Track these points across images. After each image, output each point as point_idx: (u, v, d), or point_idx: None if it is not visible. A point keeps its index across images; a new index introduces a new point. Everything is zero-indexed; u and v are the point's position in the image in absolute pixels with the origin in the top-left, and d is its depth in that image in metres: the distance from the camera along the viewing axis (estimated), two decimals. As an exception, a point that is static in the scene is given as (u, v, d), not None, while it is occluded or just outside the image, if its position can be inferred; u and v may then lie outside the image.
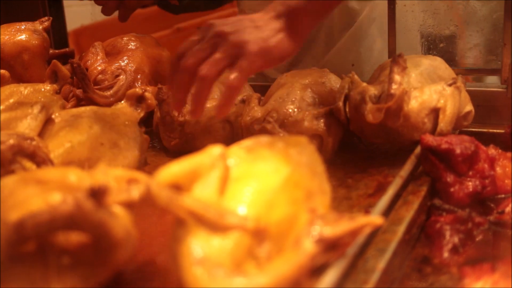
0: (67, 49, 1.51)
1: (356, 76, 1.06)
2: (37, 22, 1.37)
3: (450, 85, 0.99)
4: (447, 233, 0.81)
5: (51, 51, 1.41)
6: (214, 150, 0.63)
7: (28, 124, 0.86)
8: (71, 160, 0.85)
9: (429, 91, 0.97)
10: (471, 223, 0.84)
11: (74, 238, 0.55)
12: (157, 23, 2.70)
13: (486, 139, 1.00)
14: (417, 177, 0.92)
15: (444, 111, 0.96)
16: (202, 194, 0.59)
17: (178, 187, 0.61)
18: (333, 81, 1.10)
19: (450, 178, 0.87)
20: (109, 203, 0.53)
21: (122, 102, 1.05)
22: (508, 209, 0.89)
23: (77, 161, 0.86)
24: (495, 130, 1.14)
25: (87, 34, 2.60)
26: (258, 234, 0.56)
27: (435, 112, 0.97)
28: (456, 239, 0.81)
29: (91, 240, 0.54)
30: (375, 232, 0.72)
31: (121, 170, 0.70)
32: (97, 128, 0.90)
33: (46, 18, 1.38)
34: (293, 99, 1.01)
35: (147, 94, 1.04)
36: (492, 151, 0.94)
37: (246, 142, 0.68)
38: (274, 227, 0.58)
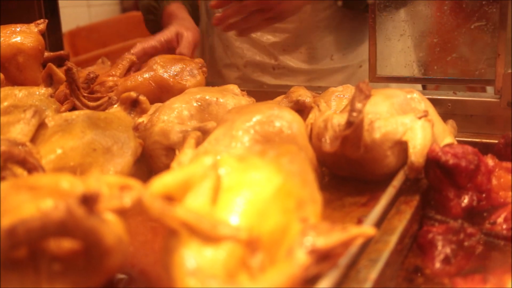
0: (62, 51, 1.50)
1: (323, 104, 1.05)
2: (33, 24, 1.36)
3: (420, 117, 0.92)
4: (439, 244, 0.81)
5: (46, 53, 1.41)
6: (206, 160, 0.63)
7: (20, 129, 0.86)
8: (63, 166, 0.85)
9: (394, 122, 0.91)
10: (463, 233, 0.85)
11: (66, 244, 0.55)
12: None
13: (479, 149, 1.00)
14: (410, 186, 0.92)
15: (412, 143, 0.89)
16: (194, 204, 0.59)
17: (170, 198, 0.61)
18: (289, 120, 0.86)
19: (451, 193, 0.88)
20: (100, 210, 0.53)
21: (116, 106, 1.04)
22: (499, 219, 0.90)
23: (69, 167, 0.85)
24: (489, 140, 1.15)
25: (83, 35, 2.60)
26: (251, 245, 0.56)
27: (400, 145, 0.91)
28: (448, 250, 0.81)
29: (83, 247, 0.54)
30: (368, 242, 0.73)
31: (114, 176, 0.70)
32: (89, 133, 0.90)
33: (42, 20, 1.38)
34: (230, 144, 0.81)
35: (142, 98, 1.04)
36: (490, 161, 0.95)
37: (239, 151, 0.68)
38: (267, 237, 0.59)
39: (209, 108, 1.02)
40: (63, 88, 1.32)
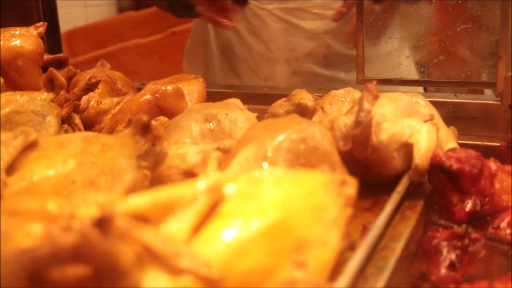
0: (61, 54, 1.50)
1: (328, 105, 1.04)
2: (32, 27, 1.35)
3: (426, 121, 0.94)
4: (444, 250, 0.81)
5: (45, 56, 1.40)
6: (200, 184, 0.60)
7: None
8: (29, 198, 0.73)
9: (401, 124, 0.92)
10: (467, 239, 0.85)
11: (72, 271, 0.51)
12: (151, 27, 2.69)
13: (481, 152, 1.00)
14: (413, 190, 0.93)
15: (418, 146, 0.90)
16: (171, 228, 0.56)
17: (146, 219, 0.57)
18: (320, 136, 0.83)
19: (455, 198, 0.88)
20: (116, 231, 0.51)
21: (128, 129, 0.90)
22: (503, 224, 0.90)
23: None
24: (490, 143, 1.15)
25: (80, 36, 2.59)
26: (213, 283, 0.52)
27: (406, 147, 0.91)
28: (453, 256, 0.81)
29: (95, 271, 0.51)
30: (374, 249, 0.72)
31: (104, 195, 0.68)
32: (73, 162, 0.79)
33: (41, 23, 1.37)
34: (263, 165, 0.79)
35: (154, 124, 0.88)
36: (493, 165, 0.95)
37: (258, 172, 0.65)
38: (240, 277, 0.54)
39: (220, 124, 0.96)
40: (63, 92, 1.31)
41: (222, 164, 0.85)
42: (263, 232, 0.57)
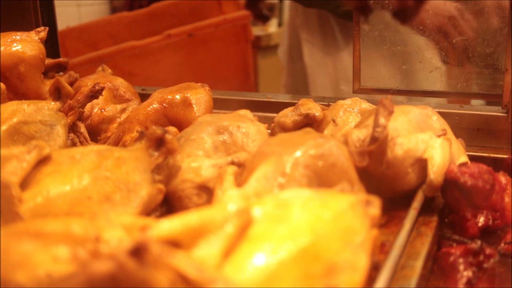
0: (61, 59, 1.47)
1: (340, 118, 1.04)
2: (33, 32, 1.33)
3: (439, 136, 0.94)
4: (461, 267, 0.82)
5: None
6: (230, 206, 0.59)
7: (13, 167, 0.76)
8: (45, 214, 0.73)
9: (415, 139, 0.92)
10: (482, 255, 0.85)
11: None
12: (144, 28, 2.67)
13: (488, 164, 1.00)
14: (426, 205, 0.93)
15: (432, 162, 0.90)
16: (203, 253, 0.55)
17: (177, 244, 0.57)
18: (337, 152, 0.82)
19: (469, 213, 0.88)
20: (151, 258, 0.50)
21: (141, 142, 0.88)
22: (515, 239, 0.91)
23: (53, 216, 0.74)
24: (496, 155, 1.15)
25: (73, 36, 2.55)
26: None
27: (420, 162, 0.91)
28: (470, 273, 0.81)
29: None
30: (395, 269, 0.72)
31: (129, 217, 0.67)
32: (88, 177, 0.78)
33: (42, 28, 1.34)
34: (281, 182, 0.77)
35: (168, 137, 0.87)
36: (502, 178, 0.95)
37: (285, 193, 0.65)
38: None
39: (233, 137, 0.94)
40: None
41: (237, 178, 0.84)
42: (295, 256, 0.56)
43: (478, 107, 1.25)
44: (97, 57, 2.20)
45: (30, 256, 0.56)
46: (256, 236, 0.59)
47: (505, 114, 1.20)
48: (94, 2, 2.90)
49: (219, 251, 0.56)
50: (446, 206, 0.93)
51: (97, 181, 0.79)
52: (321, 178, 0.79)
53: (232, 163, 0.90)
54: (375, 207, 0.67)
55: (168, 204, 0.91)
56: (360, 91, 1.41)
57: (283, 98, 1.46)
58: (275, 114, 1.23)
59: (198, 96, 1.15)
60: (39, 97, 1.31)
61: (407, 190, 0.93)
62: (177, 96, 1.13)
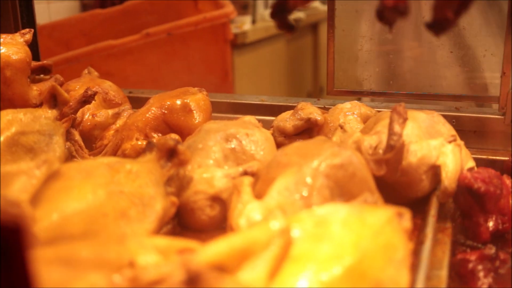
0: (45, 61, 1.41)
1: (348, 125, 1.04)
2: (18, 34, 1.27)
3: (450, 141, 0.94)
4: (481, 274, 0.82)
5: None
6: (273, 225, 0.58)
7: (22, 183, 0.72)
8: (61, 234, 0.69)
9: (427, 146, 0.91)
10: (498, 260, 0.86)
11: None
12: (118, 26, 2.60)
13: (485, 165, 1.02)
14: (438, 211, 0.92)
15: (445, 169, 0.90)
16: (249, 277, 0.54)
17: (221, 266, 0.55)
18: (356, 161, 0.81)
19: (481, 218, 0.88)
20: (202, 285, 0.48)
21: (152, 154, 0.85)
22: (525, 242, 0.92)
23: (69, 235, 0.69)
24: (494, 157, 1.17)
25: (44, 34, 2.45)
26: None
27: (433, 169, 0.91)
28: (490, 280, 0.81)
29: None
30: (425, 281, 0.71)
31: (163, 239, 0.64)
32: (103, 193, 0.74)
33: (27, 30, 1.28)
34: (304, 194, 0.76)
35: (181, 148, 0.84)
36: (507, 181, 0.96)
37: (320, 210, 0.63)
38: None
39: (242, 145, 0.92)
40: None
41: (252, 189, 0.82)
42: (342, 276, 0.56)
43: (474, 110, 1.27)
44: (73, 56, 2.13)
45: (60, 283, 0.52)
46: (299, 256, 0.57)
47: (502, 116, 1.21)
48: (64, -1, 2.80)
49: (265, 274, 0.54)
50: (458, 211, 0.94)
51: (112, 196, 0.75)
52: (342, 188, 0.78)
53: (245, 173, 0.88)
54: (407, 219, 0.67)
55: (179, 216, 0.88)
56: (334, 92, 1.41)
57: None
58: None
59: (198, 101, 1.12)
60: (25, 102, 1.25)
61: (420, 196, 0.92)
62: (177, 102, 1.10)
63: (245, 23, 3.25)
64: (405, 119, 0.87)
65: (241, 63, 3.11)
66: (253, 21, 3.43)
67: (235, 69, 3.07)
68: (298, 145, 0.85)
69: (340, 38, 1.38)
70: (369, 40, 1.41)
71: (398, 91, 1.42)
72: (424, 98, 1.56)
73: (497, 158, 1.17)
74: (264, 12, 3.66)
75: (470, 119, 1.24)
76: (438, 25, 0.60)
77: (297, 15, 3.45)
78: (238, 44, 3.02)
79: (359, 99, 1.37)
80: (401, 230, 0.63)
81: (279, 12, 0.70)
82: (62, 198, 0.73)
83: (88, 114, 1.23)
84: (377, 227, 0.61)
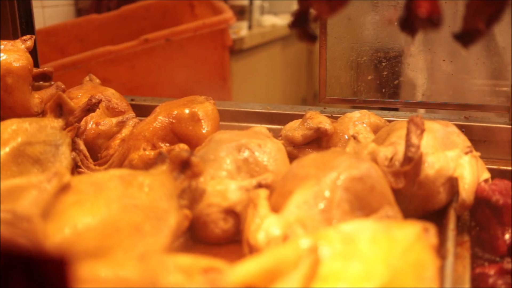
0: (46, 68, 1.38)
1: (361, 135, 1.02)
2: (19, 40, 1.24)
3: (466, 153, 0.92)
4: (502, 289, 0.80)
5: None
6: (302, 243, 0.56)
7: (33, 197, 0.69)
8: (74, 250, 0.67)
9: (444, 157, 0.90)
10: (517, 274, 0.84)
11: None
12: (114, 31, 2.57)
13: (497, 176, 1.00)
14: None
15: (463, 181, 0.88)
16: None
17: (251, 286, 0.54)
18: (375, 173, 0.79)
19: (499, 231, 0.87)
20: None
21: (164, 165, 0.82)
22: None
23: (83, 252, 0.66)
24: (506, 167, 1.15)
25: (39, 39, 2.41)
26: None
27: (450, 181, 0.89)
28: (511, 295, 0.80)
29: None
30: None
31: (185, 257, 0.62)
32: (116, 207, 0.71)
33: (29, 36, 1.26)
34: (323, 208, 0.74)
35: (195, 160, 0.81)
36: (517, 192, 0.95)
37: (347, 226, 0.61)
38: None
39: (255, 156, 0.90)
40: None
41: (271, 199, 0.80)
42: (375, 297, 0.53)
43: (483, 119, 1.25)
44: (70, 62, 2.09)
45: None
46: (328, 275, 0.55)
47: (509, 126, 1.20)
48: (58, 3, 2.76)
49: (296, 294, 0.52)
50: (474, 223, 0.92)
51: (126, 210, 0.72)
52: (361, 201, 0.76)
53: (259, 185, 0.85)
54: (433, 235, 0.65)
55: (191, 229, 0.86)
56: (326, 101, 1.40)
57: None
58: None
59: (206, 110, 1.09)
60: (27, 110, 1.22)
61: (437, 209, 0.91)
62: (185, 111, 1.07)
63: (242, 29, 3.24)
64: (422, 130, 0.85)
65: (239, 69, 3.09)
66: (250, 27, 3.42)
67: (233, 74, 3.05)
68: (314, 157, 0.83)
69: (333, 46, 1.37)
70: (362, 48, 1.40)
71: (391, 100, 1.42)
72: (419, 107, 1.56)
73: (508, 168, 1.16)
74: (260, 18, 3.64)
75: (479, 128, 1.22)
76: (468, 37, 0.58)
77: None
78: (236, 50, 3.00)
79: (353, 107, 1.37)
80: (429, 247, 0.61)
81: (300, 22, 0.68)
82: (74, 212, 0.70)
83: (92, 123, 1.20)
84: (406, 244, 0.59)
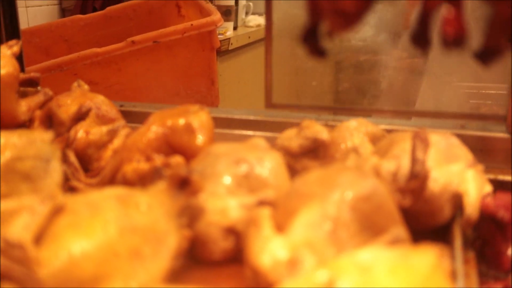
0: (32, 74, 1.33)
1: (363, 147, 1.00)
2: (4, 45, 1.20)
3: (470, 167, 0.90)
4: (509, 308, 0.79)
5: (16, 77, 1.24)
6: (320, 276, 0.53)
7: (24, 222, 0.65)
8: (70, 279, 0.63)
9: (448, 172, 0.88)
10: (523, 292, 0.83)
11: None
12: (101, 31, 2.52)
13: (496, 186, 0.99)
14: (458, 239, 0.89)
15: (468, 196, 0.86)
16: None
17: None
18: (382, 191, 0.76)
19: (504, 247, 0.85)
20: None
21: (162, 183, 0.79)
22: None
23: (77, 281, 0.63)
24: (504, 177, 1.14)
25: (23, 40, 2.36)
26: None
27: (455, 197, 0.87)
28: (519, 314, 0.78)
29: None
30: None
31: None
32: (114, 229, 0.67)
33: (15, 41, 1.21)
34: (331, 229, 0.71)
35: (194, 178, 0.78)
36: (518, 205, 0.94)
37: (363, 254, 0.58)
38: None
39: (254, 171, 0.86)
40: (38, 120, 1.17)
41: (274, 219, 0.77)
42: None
43: (480, 128, 1.24)
44: (56, 64, 2.04)
45: None
46: (344, 309, 0.52)
47: (507, 135, 1.19)
48: (42, 3, 2.70)
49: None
50: (477, 238, 0.90)
51: (124, 233, 0.69)
52: (369, 221, 0.74)
53: (261, 202, 0.83)
54: (446, 260, 0.63)
55: (190, 248, 0.82)
56: (272, 106, 1.37)
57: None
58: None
59: (201, 121, 1.06)
60: (13, 119, 1.18)
61: (440, 224, 0.89)
62: (180, 121, 1.04)
63: (228, 30, 3.20)
64: (427, 145, 0.83)
65: (224, 70, 3.06)
66: (235, 28, 3.39)
67: (219, 76, 3.01)
68: (318, 174, 0.81)
69: (279, 51, 1.34)
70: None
71: (343, 106, 1.39)
72: (372, 113, 1.53)
73: (506, 178, 1.14)
74: (245, 18, 3.61)
75: (475, 137, 1.21)
76: (489, 55, 0.56)
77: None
78: (222, 51, 2.97)
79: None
80: (446, 274, 0.59)
81: (311, 38, 0.65)
82: (69, 236, 0.66)
83: (81, 132, 1.16)
84: (425, 273, 0.57)
